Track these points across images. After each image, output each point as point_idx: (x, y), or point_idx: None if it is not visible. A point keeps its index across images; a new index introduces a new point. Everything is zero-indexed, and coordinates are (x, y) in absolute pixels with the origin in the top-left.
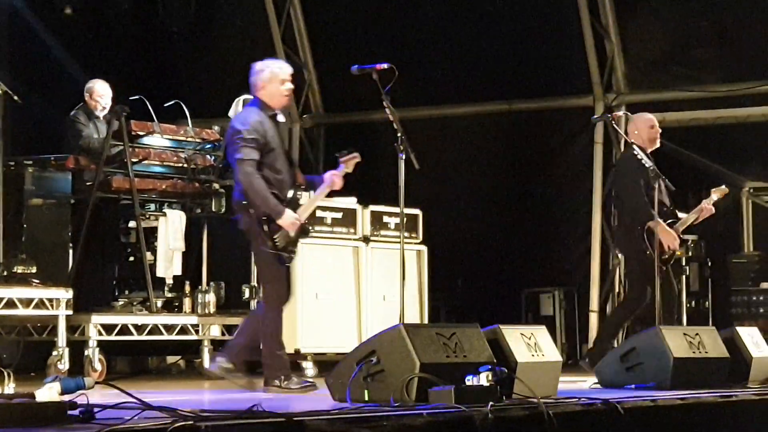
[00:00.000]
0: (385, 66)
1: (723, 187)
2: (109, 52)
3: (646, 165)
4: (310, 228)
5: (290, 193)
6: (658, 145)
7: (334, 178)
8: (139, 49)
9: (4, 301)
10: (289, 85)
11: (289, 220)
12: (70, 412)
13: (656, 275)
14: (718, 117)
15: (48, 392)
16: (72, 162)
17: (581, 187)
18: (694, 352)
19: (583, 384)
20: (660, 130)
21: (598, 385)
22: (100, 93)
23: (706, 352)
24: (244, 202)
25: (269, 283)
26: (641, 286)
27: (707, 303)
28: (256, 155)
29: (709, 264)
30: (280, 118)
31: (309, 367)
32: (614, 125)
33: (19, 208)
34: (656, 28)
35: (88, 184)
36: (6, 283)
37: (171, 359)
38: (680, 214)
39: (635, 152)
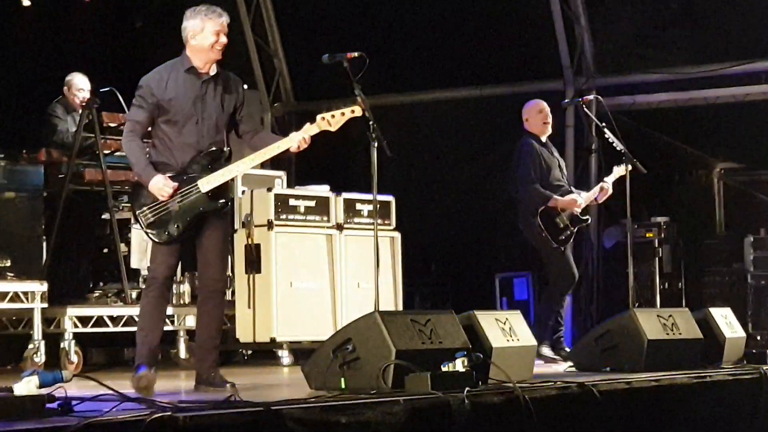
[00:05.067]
0: (356, 54)
1: (623, 166)
2: (76, 44)
3: (540, 151)
4: (223, 201)
5: (193, 160)
6: (549, 131)
7: (297, 137)
8: (107, 41)
9: None
10: (224, 39)
11: (156, 185)
12: (48, 406)
13: (630, 255)
14: (688, 99)
15: (26, 386)
16: (44, 155)
17: None
18: (667, 334)
19: (558, 368)
20: (549, 115)
21: (574, 369)
22: (79, 86)
23: (680, 334)
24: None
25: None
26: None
27: (680, 284)
28: (141, 115)
29: (682, 245)
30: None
31: (285, 356)
32: (585, 109)
33: None
34: (625, 11)
35: (60, 176)
36: None
37: None
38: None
39: (531, 140)
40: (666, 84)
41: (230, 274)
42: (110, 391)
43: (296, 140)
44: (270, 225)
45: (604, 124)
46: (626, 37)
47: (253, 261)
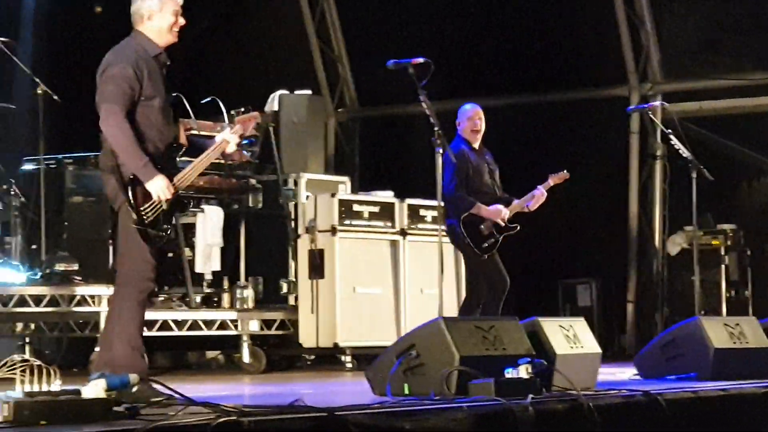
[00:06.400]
0: (421, 60)
1: (562, 173)
2: None
3: (468, 156)
4: (188, 202)
5: (167, 153)
6: (479, 139)
7: (226, 137)
8: (174, 47)
9: (47, 299)
10: (182, 20)
11: (159, 186)
12: (115, 409)
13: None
14: (755, 105)
15: (94, 389)
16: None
17: (617, 177)
18: (734, 343)
19: (622, 375)
20: (480, 124)
21: (638, 377)
22: None
23: (747, 343)
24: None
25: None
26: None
27: (747, 292)
28: (127, 100)
29: (749, 253)
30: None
31: (348, 361)
32: (650, 115)
33: (60, 206)
34: (691, 16)
35: None
36: (48, 281)
37: (210, 354)
38: (516, 201)
39: (461, 145)
40: (733, 90)
41: (293, 279)
42: (176, 395)
43: (231, 142)
44: (334, 230)
45: (669, 130)
46: (692, 43)
47: (317, 266)
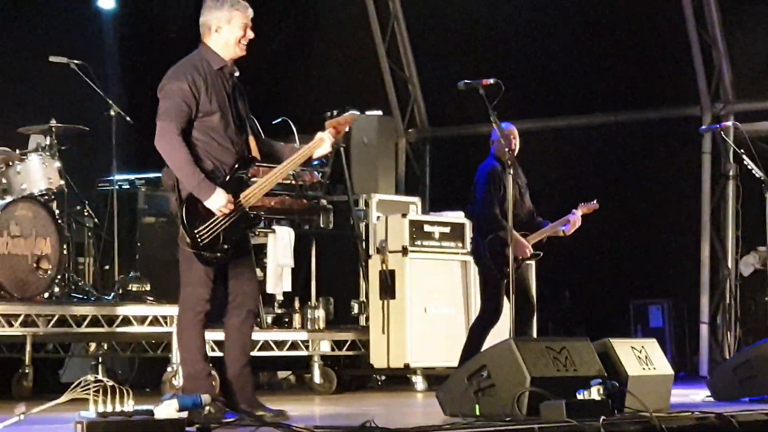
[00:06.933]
0: (491, 81)
1: (592, 203)
2: None
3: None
4: (261, 216)
5: (234, 169)
6: (513, 156)
7: (323, 137)
8: (245, 68)
9: (120, 319)
10: (251, 33)
11: (218, 202)
12: (187, 429)
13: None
14: None
15: (166, 409)
16: None
17: (690, 197)
18: None
19: (695, 397)
20: (515, 143)
21: (711, 399)
22: None
23: None
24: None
25: (186, 285)
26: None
27: None
28: (183, 117)
29: None
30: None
31: (419, 382)
32: (723, 135)
33: (133, 226)
34: (764, 36)
35: None
36: (121, 301)
37: (281, 374)
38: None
39: (496, 163)
40: None
41: (364, 300)
42: (247, 416)
43: (328, 145)
44: (404, 251)
45: (742, 150)
46: (765, 63)
47: (388, 287)
